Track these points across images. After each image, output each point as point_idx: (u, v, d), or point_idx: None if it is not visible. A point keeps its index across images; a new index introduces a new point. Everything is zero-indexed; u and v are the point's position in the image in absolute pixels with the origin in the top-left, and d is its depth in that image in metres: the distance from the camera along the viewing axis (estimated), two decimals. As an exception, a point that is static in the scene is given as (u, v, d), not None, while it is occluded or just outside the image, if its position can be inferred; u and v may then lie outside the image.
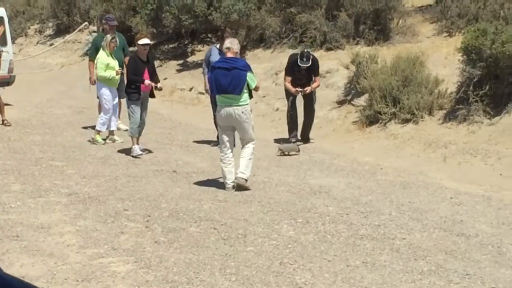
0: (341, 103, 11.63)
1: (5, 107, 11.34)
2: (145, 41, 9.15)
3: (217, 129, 8.37)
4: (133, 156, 8.91)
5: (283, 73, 11.02)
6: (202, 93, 12.41)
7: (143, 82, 8.97)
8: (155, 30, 16.62)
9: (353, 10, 13.67)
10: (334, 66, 12.28)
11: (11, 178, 7.62)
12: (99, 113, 10.14)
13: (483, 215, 6.43)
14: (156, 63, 13.35)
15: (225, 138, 7.43)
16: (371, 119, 10.50)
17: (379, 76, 10.63)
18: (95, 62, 10.00)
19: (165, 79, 14.21)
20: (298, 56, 10.17)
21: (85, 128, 10.89)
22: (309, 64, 10.09)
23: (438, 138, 9.31)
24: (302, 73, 10.19)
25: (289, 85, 10.25)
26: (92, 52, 10.85)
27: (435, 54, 11.53)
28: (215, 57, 9.15)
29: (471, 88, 9.46)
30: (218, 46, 9.71)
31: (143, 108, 9.22)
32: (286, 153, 9.41)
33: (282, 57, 13.12)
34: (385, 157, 9.21)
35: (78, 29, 19.56)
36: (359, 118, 10.75)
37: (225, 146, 7.43)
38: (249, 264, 5.02)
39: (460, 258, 5.24)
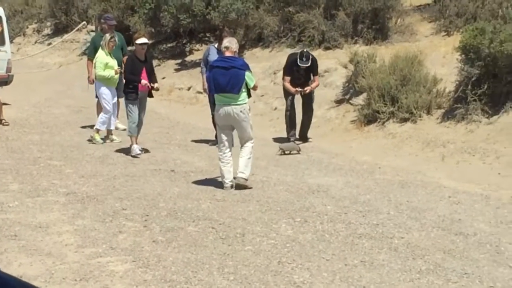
0: (339, 102, 11.64)
1: (3, 106, 11.33)
2: (143, 40, 9.14)
3: (215, 129, 8.37)
4: (132, 156, 8.90)
5: (281, 72, 11.03)
6: (201, 92, 12.40)
7: (140, 81, 8.97)
8: (153, 30, 16.64)
9: (352, 9, 13.68)
10: (333, 65, 12.29)
11: (9, 177, 7.61)
12: (97, 112, 10.14)
13: (481, 214, 6.43)
14: (154, 62, 13.33)
15: (224, 137, 7.42)
16: (369, 118, 10.51)
17: (377, 75, 10.63)
18: (94, 61, 10.00)
19: (163, 78, 14.21)
20: (298, 56, 10.15)
21: (83, 127, 10.88)
22: (308, 64, 10.07)
23: (437, 137, 9.31)
24: (301, 73, 10.19)
25: (288, 85, 10.24)
26: (90, 52, 10.84)
27: (433, 53, 11.53)
28: (213, 56, 9.14)
29: (469, 87, 9.46)
30: (216, 45, 9.70)
31: (141, 108, 9.22)
32: (287, 152, 9.40)
33: (280, 56, 13.12)
34: (383, 156, 9.21)
35: (76, 28, 19.55)
36: (357, 117, 10.75)
37: (224, 145, 7.42)
38: (247, 263, 5.02)
39: (458, 257, 5.24)
